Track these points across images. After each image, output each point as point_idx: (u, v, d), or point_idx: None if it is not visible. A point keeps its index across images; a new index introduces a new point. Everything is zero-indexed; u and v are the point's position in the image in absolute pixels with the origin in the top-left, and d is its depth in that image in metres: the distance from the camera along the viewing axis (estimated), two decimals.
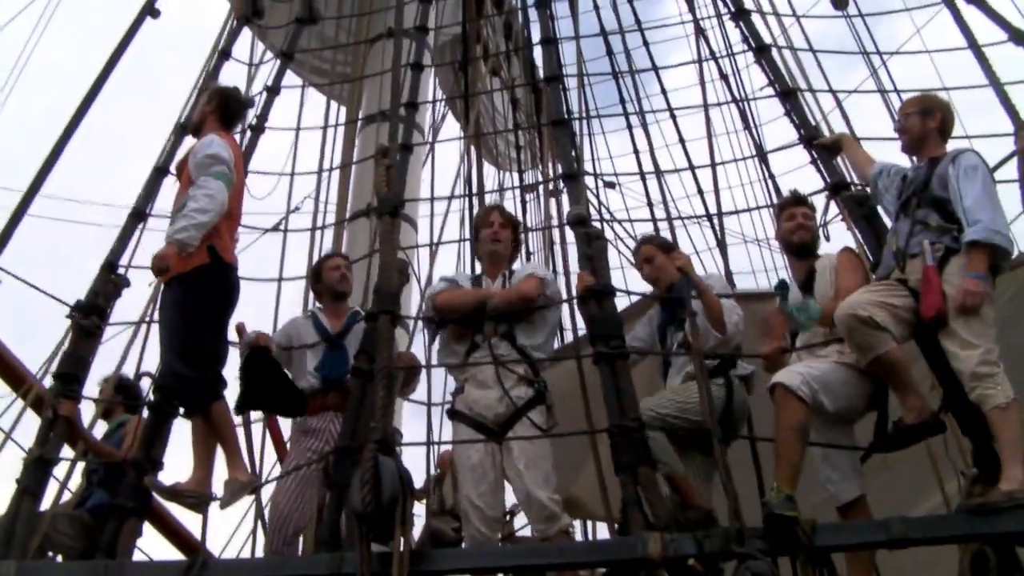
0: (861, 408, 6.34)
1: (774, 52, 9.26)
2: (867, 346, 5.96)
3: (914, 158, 6.97)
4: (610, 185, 12.67)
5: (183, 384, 6.91)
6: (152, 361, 7.78)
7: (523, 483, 6.62)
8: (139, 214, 8.78)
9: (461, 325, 7.24)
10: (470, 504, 6.79)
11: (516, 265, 7.61)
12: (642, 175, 8.35)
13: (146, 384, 8.19)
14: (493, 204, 8.75)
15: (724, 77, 11.45)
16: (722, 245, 8.76)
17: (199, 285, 6.85)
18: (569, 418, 7.13)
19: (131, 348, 8.24)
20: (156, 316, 7.65)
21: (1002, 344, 5.91)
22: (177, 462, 7.37)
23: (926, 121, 6.75)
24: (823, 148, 8.01)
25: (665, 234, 8.66)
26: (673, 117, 10.75)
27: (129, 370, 8.37)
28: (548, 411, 6.98)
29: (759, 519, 5.63)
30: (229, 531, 8.90)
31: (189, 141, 7.66)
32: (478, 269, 7.74)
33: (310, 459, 7.45)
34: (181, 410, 7.17)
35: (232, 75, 10.51)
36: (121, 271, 8.35)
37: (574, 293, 7.13)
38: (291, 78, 11.10)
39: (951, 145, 6.75)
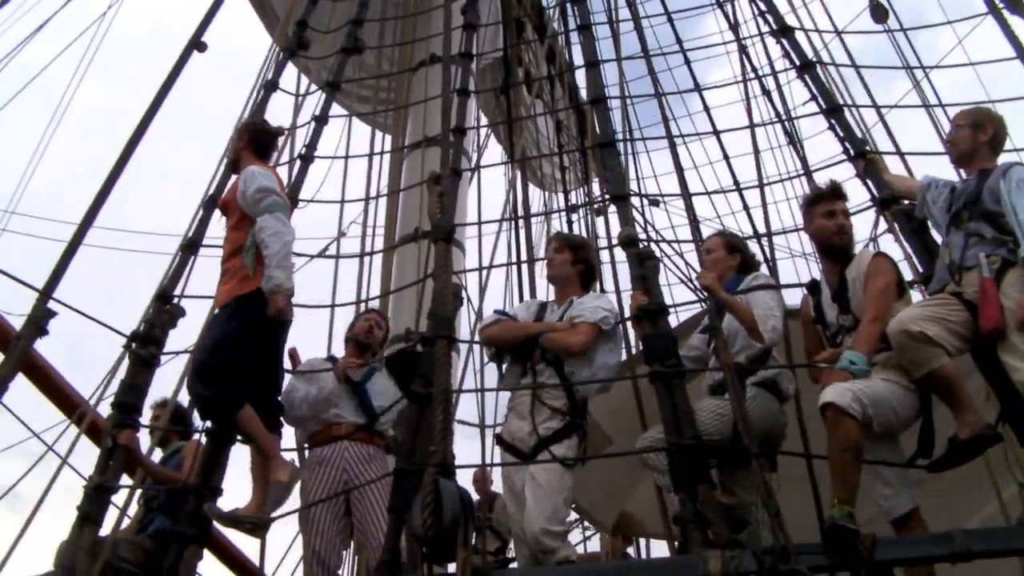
0: (910, 421, 6.22)
1: (817, 68, 9.27)
2: (920, 361, 5.92)
3: (962, 171, 6.93)
4: (655, 203, 12.68)
5: (204, 404, 7.08)
6: None
7: (525, 516, 6.61)
8: (191, 244, 8.88)
9: (514, 353, 7.27)
10: (518, 530, 6.83)
11: (586, 296, 7.43)
12: (686, 194, 8.31)
13: None
14: (556, 232, 8.78)
15: (767, 93, 11.46)
16: (771, 262, 8.75)
17: (247, 311, 6.97)
18: (626, 434, 7.16)
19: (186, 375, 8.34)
20: None
21: None
22: (234, 488, 7.49)
23: (977, 134, 6.71)
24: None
25: None
26: (718, 135, 10.76)
27: (183, 397, 8.47)
28: (580, 442, 6.91)
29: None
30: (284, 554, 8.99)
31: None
32: (544, 294, 7.77)
33: (334, 490, 7.57)
34: (238, 437, 7.27)
35: (279, 106, 10.63)
36: (175, 300, 8.45)
37: (627, 313, 7.17)
38: (337, 108, 11.22)
39: (1002, 158, 6.71)
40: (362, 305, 9.61)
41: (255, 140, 7.71)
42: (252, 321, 6.98)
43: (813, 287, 7.12)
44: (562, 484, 6.67)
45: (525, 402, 6.98)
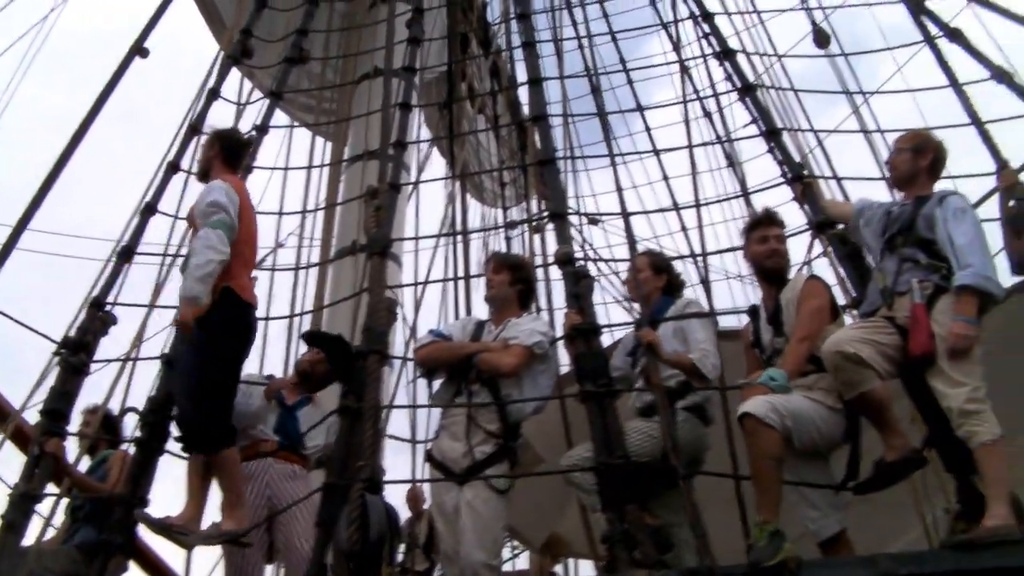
0: (835, 442, 6.29)
1: (758, 92, 9.35)
2: (853, 383, 5.98)
3: (898, 195, 7.00)
4: (593, 221, 12.70)
5: (189, 427, 6.96)
6: (138, 397, 7.82)
7: (463, 544, 6.52)
8: (126, 252, 8.79)
9: (450, 373, 7.22)
10: (447, 553, 6.79)
11: (524, 318, 7.40)
12: (625, 214, 8.33)
13: (131, 420, 8.18)
14: (494, 252, 8.77)
15: (708, 115, 11.53)
16: (706, 283, 8.78)
17: (219, 325, 6.85)
18: (557, 453, 7.15)
19: (117, 383, 8.24)
20: (143, 353, 7.74)
21: (987, 377, 5.94)
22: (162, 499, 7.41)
23: (917, 159, 6.76)
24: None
25: None
26: (658, 155, 10.78)
27: (115, 404, 8.37)
28: (512, 466, 6.87)
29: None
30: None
31: (198, 185, 7.69)
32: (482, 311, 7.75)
33: (257, 504, 7.50)
34: (180, 447, 7.18)
35: (221, 114, 10.56)
36: (108, 307, 8.36)
37: (560, 332, 7.17)
38: (280, 117, 11.15)
39: (938, 185, 6.80)
40: (296, 319, 9.56)
41: (226, 149, 7.60)
42: (227, 334, 6.93)
43: (753, 311, 7.15)
44: (499, 513, 6.66)
45: (460, 423, 6.91)
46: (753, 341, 6.96)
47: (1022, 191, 7.22)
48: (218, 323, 6.81)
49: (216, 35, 13.00)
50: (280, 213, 10.28)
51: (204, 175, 7.61)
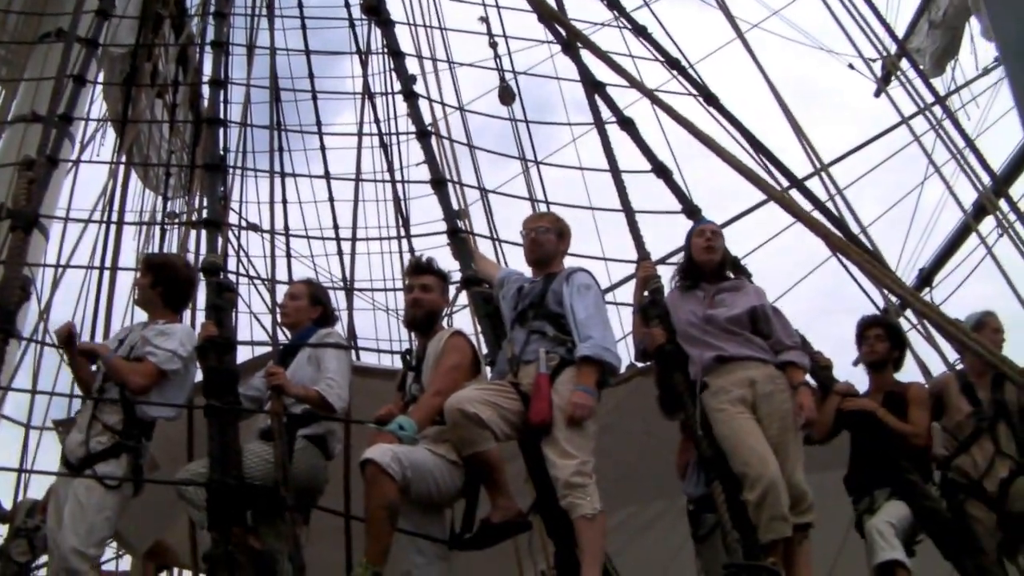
0: (453, 495, 6.39)
1: (433, 139, 9.45)
2: (469, 441, 6.11)
3: (531, 270, 7.30)
4: (253, 228, 12.55)
5: None
6: None
7: (60, 531, 6.39)
8: None
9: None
10: (52, 543, 6.60)
11: (171, 327, 7.12)
12: (286, 233, 8.35)
13: None
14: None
15: (384, 147, 11.66)
16: (350, 313, 8.83)
17: None
18: (174, 462, 7.05)
19: None
20: None
21: (599, 452, 6.24)
22: None
23: (560, 244, 7.20)
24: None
25: None
26: (328, 180, 10.85)
27: None
28: (129, 463, 6.67)
29: None
30: None
31: None
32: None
33: None
34: None
35: None
36: None
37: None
38: None
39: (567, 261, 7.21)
40: None
41: None
42: None
43: (407, 354, 7.24)
44: (103, 504, 6.45)
45: (85, 415, 6.75)
46: (400, 384, 7.03)
47: (655, 283, 7.67)
48: None
49: None
50: None
51: None
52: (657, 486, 8.90)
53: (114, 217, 9.74)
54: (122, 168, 10.31)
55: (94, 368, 6.93)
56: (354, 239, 8.67)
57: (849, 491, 7.63)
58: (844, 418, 7.54)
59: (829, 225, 7.93)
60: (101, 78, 11.81)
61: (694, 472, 7.12)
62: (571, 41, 10.01)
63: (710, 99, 10.29)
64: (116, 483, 6.53)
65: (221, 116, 9.24)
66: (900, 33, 14.83)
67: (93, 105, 12.16)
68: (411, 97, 9.81)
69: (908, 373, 8.21)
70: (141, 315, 7.39)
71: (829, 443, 7.60)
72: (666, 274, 7.79)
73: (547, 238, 7.17)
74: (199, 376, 7.10)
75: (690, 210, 8.64)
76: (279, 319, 7.55)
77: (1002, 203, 10.99)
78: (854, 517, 7.52)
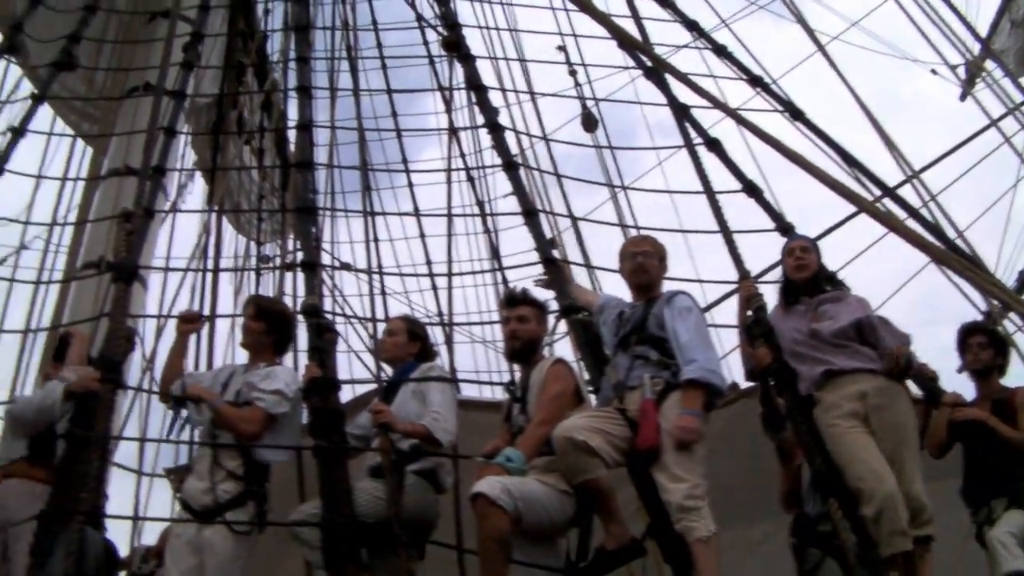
0: (564, 526, 6.36)
1: (520, 170, 9.49)
2: (579, 469, 6.09)
3: (631, 294, 7.26)
4: (346, 267, 12.64)
5: None
6: None
7: None
8: None
9: None
10: None
11: (275, 369, 7.21)
12: (380, 272, 8.39)
13: None
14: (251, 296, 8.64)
15: (471, 180, 11.69)
16: (450, 347, 8.84)
17: None
18: (286, 506, 7.09)
19: None
20: None
21: (708, 475, 6.20)
22: None
23: (661, 267, 7.20)
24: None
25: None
26: (418, 217, 10.91)
27: None
28: (257, 509, 6.72)
29: None
30: None
31: None
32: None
33: None
34: None
35: None
36: None
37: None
38: (43, 122, 10.81)
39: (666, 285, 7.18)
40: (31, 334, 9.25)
41: None
42: None
43: (511, 385, 7.24)
44: (237, 552, 6.52)
45: (205, 461, 6.79)
46: (506, 415, 7.00)
47: (758, 302, 7.61)
48: None
49: None
50: (27, 223, 10.00)
51: None
52: (764, 507, 8.80)
53: (210, 264, 9.92)
54: (214, 216, 10.48)
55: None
56: (450, 273, 8.72)
57: (967, 502, 7.56)
58: (955, 429, 7.47)
59: (926, 234, 7.84)
60: (188, 128, 12.00)
61: (810, 494, 7.07)
62: (655, 67, 9.96)
63: (797, 115, 10.19)
64: (247, 529, 6.59)
65: (309, 159, 9.25)
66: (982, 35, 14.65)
67: (181, 155, 12.35)
68: (496, 130, 9.83)
69: (1013, 378, 8.07)
70: (240, 355, 7.48)
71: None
72: (765, 291, 7.77)
73: (651, 263, 7.17)
74: (305, 417, 7.15)
75: (784, 227, 8.57)
76: (379, 355, 7.59)
77: None
78: (973, 528, 7.43)
